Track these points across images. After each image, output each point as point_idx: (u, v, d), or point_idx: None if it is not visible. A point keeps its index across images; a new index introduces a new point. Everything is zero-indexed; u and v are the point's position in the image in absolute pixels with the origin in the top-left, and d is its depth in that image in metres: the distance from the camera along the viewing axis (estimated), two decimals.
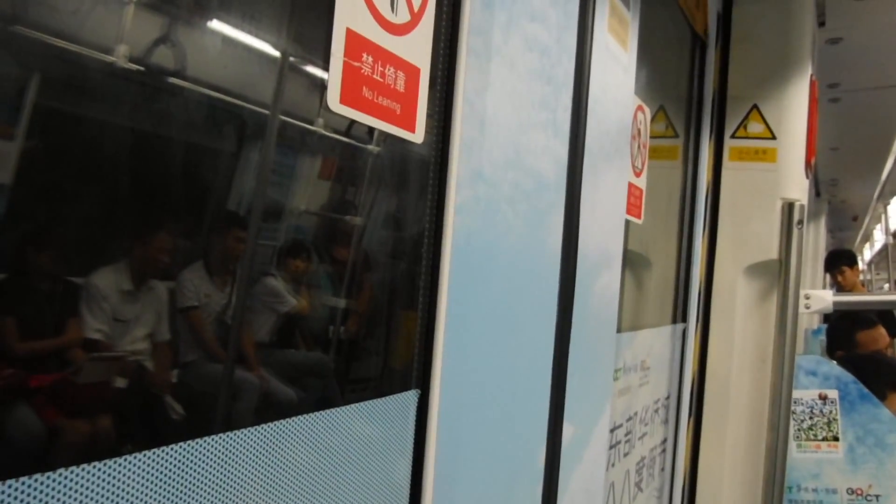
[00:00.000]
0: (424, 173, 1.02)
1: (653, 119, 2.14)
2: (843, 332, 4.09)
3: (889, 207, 8.54)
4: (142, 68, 1.16)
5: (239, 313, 1.49)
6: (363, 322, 1.54)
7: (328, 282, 1.65)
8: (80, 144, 1.13)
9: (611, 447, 1.89)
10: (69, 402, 1.09)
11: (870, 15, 2.98)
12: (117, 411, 1.15)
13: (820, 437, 2.79)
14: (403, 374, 1.09)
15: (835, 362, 2.93)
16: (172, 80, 1.19)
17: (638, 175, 1.95)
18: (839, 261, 5.65)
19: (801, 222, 2.56)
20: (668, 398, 2.54)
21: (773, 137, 2.63)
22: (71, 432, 1.08)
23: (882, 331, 4.04)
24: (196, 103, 1.25)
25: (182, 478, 0.68)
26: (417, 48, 0.95)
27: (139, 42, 1.14)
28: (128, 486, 0.63)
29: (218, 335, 1.47)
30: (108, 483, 0.61)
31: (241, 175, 1.49)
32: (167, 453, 0.66)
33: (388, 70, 0.89)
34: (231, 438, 0.73)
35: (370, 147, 1.44)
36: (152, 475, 0.65)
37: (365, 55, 0.85)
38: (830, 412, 2.79)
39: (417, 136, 0.96)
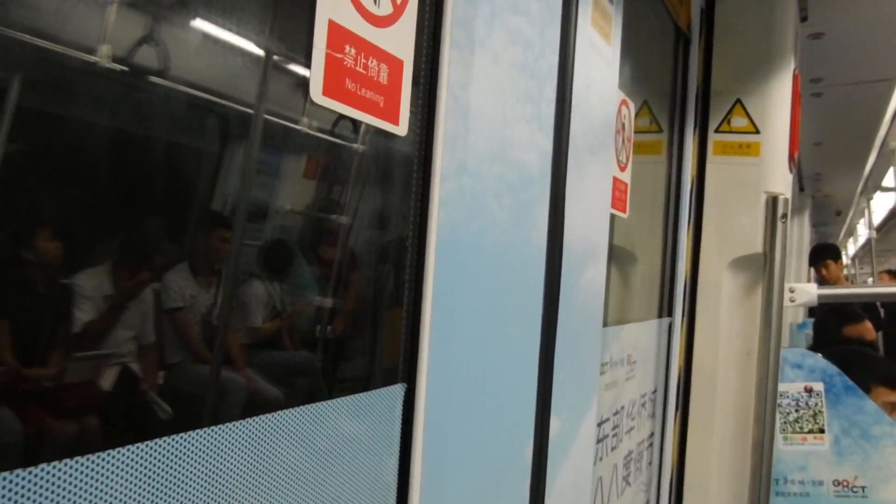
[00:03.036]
0: (408, 166, 1.02)
1: (637, 114, 2.15)
2: (830, 326, 4.12)
3: (872, 202, 8.61)
4: (124, 67, 1.15)
5: (224, 313, 1.49)
6: (349, 317, 1.53)
7: (312, 278, 1.65)
8: (63, 146, 1.12)
9: (598, 441, 1.89)
10: (55, 403, 1.09)
11: (852, 10, 3.00)
12: (103, 411, 1.14)
13: (806, 430, 2.81)
14: (389, 367, 1.09)
15: (819, 355, 2.95)
16: (154, 77, 1.18)
17: (622, 169, 1.96)
18: (823, 255, 5.70)
19: (785, 216, 2.58)
20: (654, 392, 2.56)
21: (757, 132, 2.65)
22: (56, 431, 1.08)
23: (868, 325, 4.07)
24: (177, 100, 1.24)
25: (165, 472, 0.67)
26: (400, 40, 0.94)
27: (121, 40, 1.13)
28: (112, 479, 0.62)
29: (203, 335, 1.46)
30: (93, 477, 0.61)
31: (224, 173, 1.48)
32: (150, 448, 0.66)
33: (371, 62, 0.89)
34: (214, 433, 0.73)
35: (354, 141, 1.43)
36: (136, 469, 0.64)
37: (347, 47, 0.85)
38: (816, 404, 2.81)
39: (401, 128, 0.96)
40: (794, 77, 2.70)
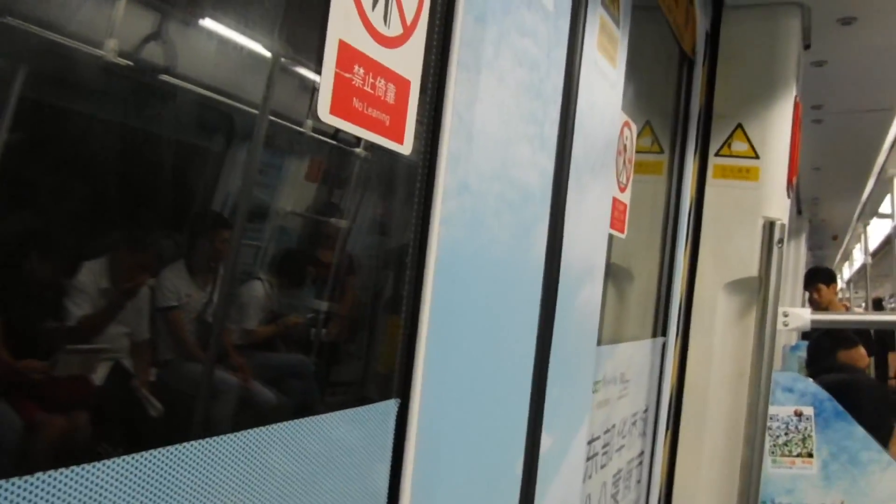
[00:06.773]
0: (411, 183, 1.03)
1: (639, 134, 2.16)
2: (824, 351, 4.13)
3: (868, 227, 8.66)
4: (133, 65, 1.16)
5: (221, 314, 1.49)
6: (346, 331, 1.54)
7: (313, 294, 1.65)
8: (62, 139, 1.13)
9: (588, 459, 1.90)
10: (49, 398, 1.09)
11: (854, 39, 3.03)
12: (96, 408, 1.14)
13: (795, 453, 2.82)
14: (384, 382, 1.10)
15: (811, 380, 2.97)
16: (161, 77, 1.19)
17: (622, 190, 1.97)
18: (815, 278, 5.72)
19: (781, 241, 2.60)
20: (646, 411, 2.56)
21: (757, 157, 2.67)
22: (49, 429, 1.08)
23: (862, 351, 4.09)
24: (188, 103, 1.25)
25: (161, 483, 0.68)
26: (408, 61, 0.96)
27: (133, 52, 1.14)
28: (107, 490, 0.63)
29: (198, 336, 1.46)
30: (88, 487, 0.61)
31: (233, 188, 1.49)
32: (147, 458, 0.67)
33: (379, 82, 0.90)
34: (211, 444, 0.74)
35: (358, 154, 1.44)
36: (132, 479, 0.65)
37: (356, 67, 0.86)
38: (805, 428, 2.83)
39: (406, 147, 0.97)
40: (796, 104, 2.72)
